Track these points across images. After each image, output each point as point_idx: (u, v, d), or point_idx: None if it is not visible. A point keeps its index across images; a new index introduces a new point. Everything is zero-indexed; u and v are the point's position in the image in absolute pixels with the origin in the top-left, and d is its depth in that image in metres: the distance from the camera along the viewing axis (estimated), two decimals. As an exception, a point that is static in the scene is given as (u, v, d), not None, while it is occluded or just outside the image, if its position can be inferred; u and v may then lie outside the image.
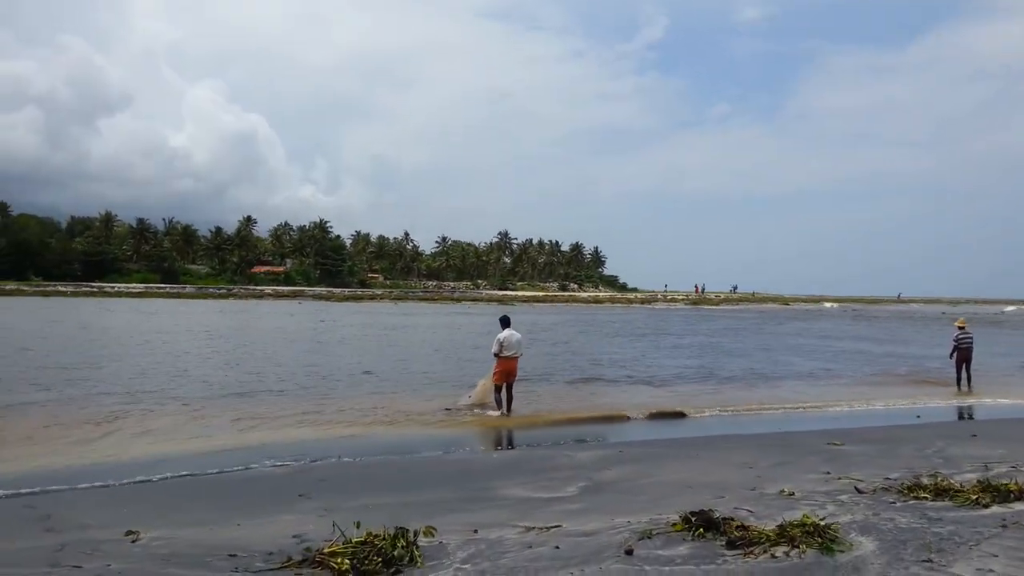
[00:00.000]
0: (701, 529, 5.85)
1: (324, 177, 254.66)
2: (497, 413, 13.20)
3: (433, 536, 5.64)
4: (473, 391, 14.31)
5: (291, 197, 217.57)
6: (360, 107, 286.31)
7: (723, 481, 7.97)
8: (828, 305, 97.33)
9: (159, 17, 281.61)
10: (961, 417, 14.82)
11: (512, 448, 11.00)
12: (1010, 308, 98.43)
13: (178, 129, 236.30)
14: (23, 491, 7.71)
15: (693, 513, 6.11)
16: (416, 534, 5.47)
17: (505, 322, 13.39)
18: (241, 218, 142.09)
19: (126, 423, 12.07)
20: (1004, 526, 5.87)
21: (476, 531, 5.98)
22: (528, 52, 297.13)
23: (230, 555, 5.44)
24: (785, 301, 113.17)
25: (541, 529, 6.08)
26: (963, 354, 18.25)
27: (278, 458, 9.54)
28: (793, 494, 7.18)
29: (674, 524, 6.04)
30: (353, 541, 5.35)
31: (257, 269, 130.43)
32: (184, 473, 8.68)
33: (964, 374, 18.20)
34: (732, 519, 6.04)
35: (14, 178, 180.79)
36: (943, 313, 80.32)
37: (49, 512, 6.81)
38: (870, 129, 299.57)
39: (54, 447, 10.30)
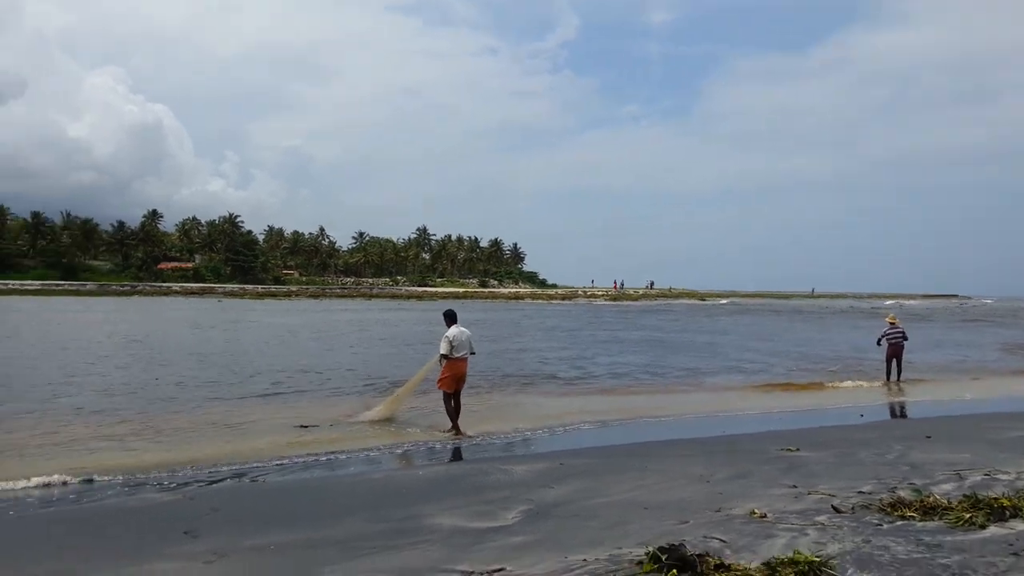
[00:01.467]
0: (675, 571, 4.88)
1: (234, 170, 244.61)
2: (449, 430, 11.32)
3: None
4: (379, 406, 12.69)
5: (199, 191, 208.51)
6: (269, 99, 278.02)
7: (682, 500, 7.06)
8: (723, 302, 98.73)
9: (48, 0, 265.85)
10: (900, 415, 14.46)
11: (441, 463, 9.76)
12: (889, 302, 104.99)
13: (76, 119, 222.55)
14: None
15: (662, 549, 5.12)
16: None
17: (451, 317, 11.54)
18: (146, 212, 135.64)
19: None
20: (1016, 554, 5.11)
21: (402, 581, 4.86)
22: (440, 47, 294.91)
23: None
24: (701, 296, 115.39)
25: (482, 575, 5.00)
26: (894, 349, 18.13)
27: (167, 481, 8.14)
28: (765, 516, 6.30)
29: (641, 563, 5.06)
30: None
31: (164, 266, 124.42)
32: (49, 502, 7.19)
33: (895, 368, 18.08)
34: (707, 555, 5.09)
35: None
36: (850, 307, 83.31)
37: None
38: (774, 130, 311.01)
39: None
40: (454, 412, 11.44)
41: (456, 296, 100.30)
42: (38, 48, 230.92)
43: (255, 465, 9.10)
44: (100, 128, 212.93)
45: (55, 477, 8.10)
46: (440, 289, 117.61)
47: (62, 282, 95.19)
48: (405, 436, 11.32)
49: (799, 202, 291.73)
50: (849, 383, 18.23)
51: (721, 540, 5.66)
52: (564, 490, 7.52)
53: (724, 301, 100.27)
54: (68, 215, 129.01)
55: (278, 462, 9.30)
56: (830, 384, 18.27)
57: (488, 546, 5.69)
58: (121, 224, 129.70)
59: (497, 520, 6.45)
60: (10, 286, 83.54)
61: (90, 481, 8.10)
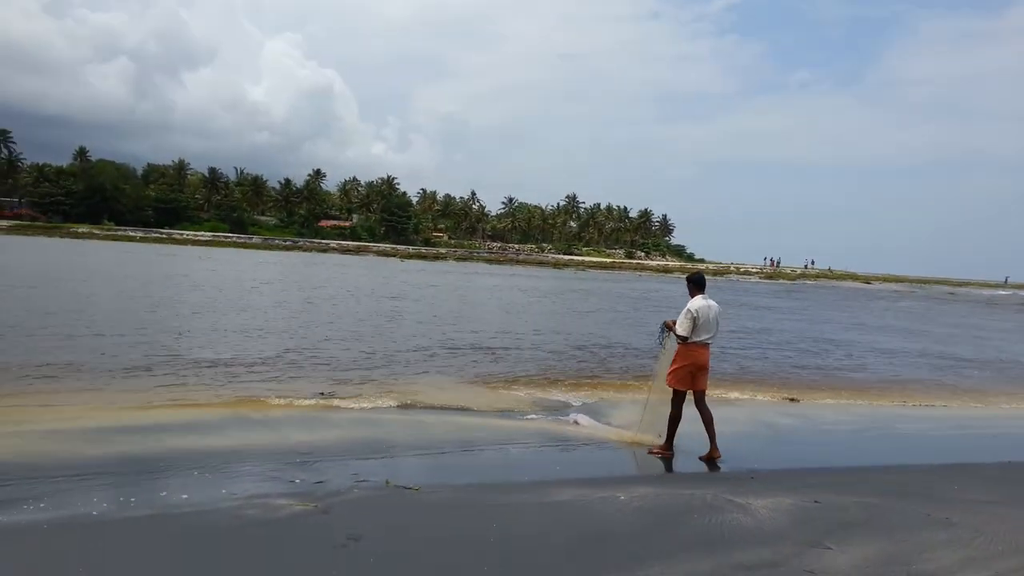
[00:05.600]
0: None
1: (395, 134, 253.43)
2: (660, 450, 8.17)
3: None
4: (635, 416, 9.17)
5: (363, 153, 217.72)
6: (431, 65, 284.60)
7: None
8: (894, 286, 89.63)
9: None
10: None
11: (642, 484, 7.04)
12: None
13: (256, 83, 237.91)
14: None
15: None
16: None
17: (699, 284, 8.22)
18: (311, 172, 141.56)
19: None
20: None
21: None
22: (602, 11, 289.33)
23: None
24: (865, 280, 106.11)
25: None
26: None
27: (301, 476, 6.36)
28: None
29: None
30: None
31: (324, 223, 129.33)
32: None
33: None
34: None
35: (104, 126, 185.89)
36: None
37: None
38: (960, 101, 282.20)
39: None
40: (676, 420, 8.15)
41: (603, 266, 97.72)
42: (227, 16, 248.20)
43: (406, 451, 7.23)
44: (277, 91, 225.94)
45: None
46: (586, 258, 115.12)
47: (230, 234, 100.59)
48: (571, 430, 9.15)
49: (986, 179, 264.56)
50: None
51: None
52: (852, 556, 5.08)
53: (897, 287, 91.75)
54: (241, 172, 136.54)
55: (420, 453, 7.40)
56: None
57: None
58: (288, 182, 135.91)
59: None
60: (185, 236, 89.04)
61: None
